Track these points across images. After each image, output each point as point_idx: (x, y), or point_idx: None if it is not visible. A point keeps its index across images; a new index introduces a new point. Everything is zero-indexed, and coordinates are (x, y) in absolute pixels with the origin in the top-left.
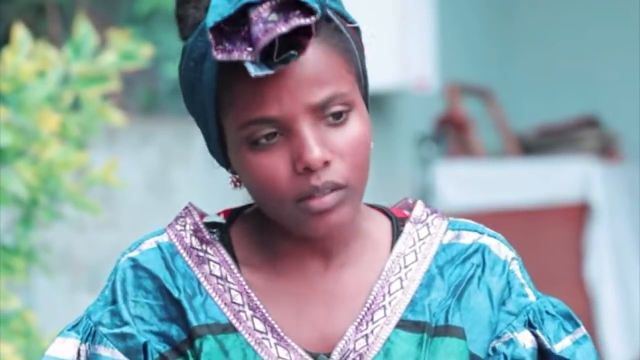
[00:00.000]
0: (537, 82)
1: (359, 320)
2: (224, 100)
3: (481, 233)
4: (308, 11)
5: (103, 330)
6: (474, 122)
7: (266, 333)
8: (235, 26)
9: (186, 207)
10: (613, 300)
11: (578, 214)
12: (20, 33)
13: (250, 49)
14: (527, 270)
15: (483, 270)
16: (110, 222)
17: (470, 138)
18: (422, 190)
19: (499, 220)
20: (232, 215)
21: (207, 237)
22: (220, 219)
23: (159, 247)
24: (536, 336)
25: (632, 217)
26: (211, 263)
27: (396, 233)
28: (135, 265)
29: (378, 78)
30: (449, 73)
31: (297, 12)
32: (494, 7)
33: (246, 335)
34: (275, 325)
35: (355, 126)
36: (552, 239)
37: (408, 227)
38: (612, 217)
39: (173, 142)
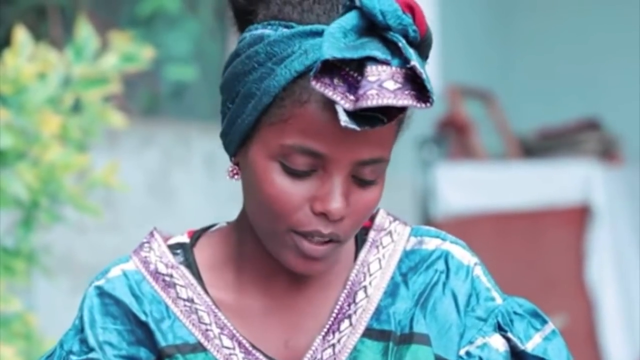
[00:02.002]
0: (538, 84)
1: (325, 330)
2: (280, 111)
3: (443, 239)
4: (425, 97)
5: (73, 358)
6: (475, 125)
7: (234, 349)
8: (344, 64)
9: (150, 232)
10: (614, 302)
11: (579, 217)
12: (21, 35)
13: (352, 98)
14: (491, 274)
15: (447, 276)
16: (111, 225)
17: (472, 141)
18: (423, 192)
19: (500, 223)
20: (196, 235)
21: (172, 261)
22: (184, 239)
23: (125, 275)
24: (508, 339)
25: (633, 219)
26: (177, 287)
27: (360, 242)
28: (102, 293)
29: None
30: (450, 75)
31: (414, 92)
32: (495, 10)
33: (215, 353)
34: (243, 340)
35: (374, 192)
36: (553, 241)
37: (371, 235)
38: (613, 219)
39: (174, 145)
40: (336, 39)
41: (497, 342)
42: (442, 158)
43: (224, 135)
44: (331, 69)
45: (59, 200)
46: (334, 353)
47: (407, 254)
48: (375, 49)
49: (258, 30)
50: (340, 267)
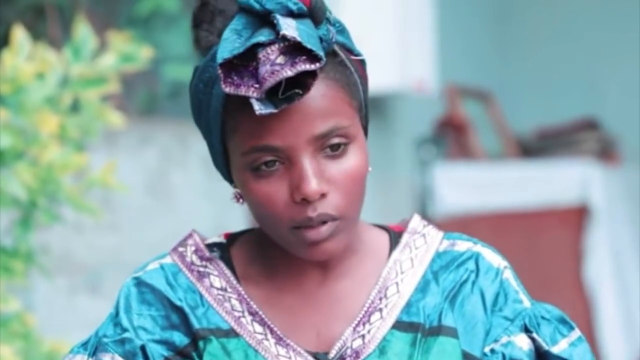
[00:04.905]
0: (536, 84)
1: (356, 322)
2: (229, 125)
3: (475, 243)
4: (314, 57)
5: (106, 340)
6: (474, 125)
7: (265, 334)
8: (245, 60)
9: (189, 233)
10: (612, 302)
11: (577, 217)
12: (19, 35)
13: (257, 85)
14: (520, 279)
15: (477, 275)
16: (109, 224)
17: (470, 140)
18: (421, 192)
19: (498, 222)
20: (232, 236)
21: (207, 254)
22: (222, 239)
23: (162, 267)
24: (533, 339)
25: (631, 219)
26: (211, 276)
27: (394, 243)
28: (139, 282)
29: (378, 81)
30: (449, 75)
31: (304, 57)
32: (494, 10)
33: (247, 338)
34: (274, 328)
35: (353, 158)
36: (552, 241)
37: (405, 237)
38: (611, 219)
39: (172, 144)
40: (230, 41)
41: (522, 341)
42: (440, 158)
43: (216, 168)
44: (236, 69)
45: (57, 200)
46: (363, 343)
47: (439, 255)
48: (260, 35)
49: (195, 67)
50: (373, 265)
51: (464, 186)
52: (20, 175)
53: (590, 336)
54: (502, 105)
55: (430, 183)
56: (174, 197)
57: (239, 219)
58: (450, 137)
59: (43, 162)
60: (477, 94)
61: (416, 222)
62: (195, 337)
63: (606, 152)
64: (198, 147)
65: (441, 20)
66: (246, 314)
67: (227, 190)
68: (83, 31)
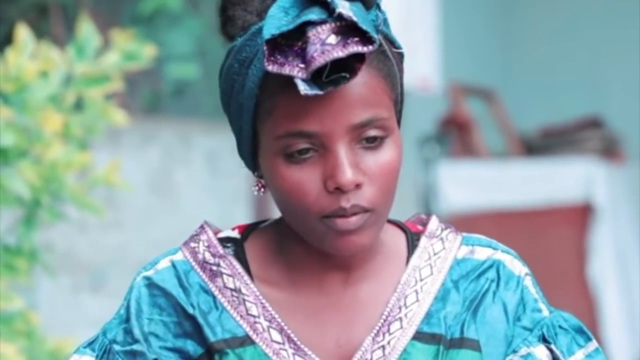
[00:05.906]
0: (540, 82)
1: (375, 331)
2: (264, 107)
3: (495, 249)
4: (367, 39)
5: (116, 347)
6: (477, 123)
7: (283, 343)
8: (290, 39)
9: (201, 225)
10: (616, 300)
11: (581, 215)
12: (23, 33)
13: (302, 65)
14: (539, 286)
15: (498, 285)
16: (112, 223)
17: (473, 139)
18: (424, 190)
19: (501, 221)
20: (247, 230)
21: (220, 251)
22: (235, 234)
23: (174, 265)
24: (551, 350)
25: (634, 218)
26: (224, 276)
27: (411, 247)
28: (150, 283)
29: None
30: (452, 74)
31: (356, 38)
32: (497, 8)
33: (264, 347)
34: (292, 335)
35: (388, 151)
36: (555, 239)
37: (423, 241)
38: (615, 218)
39: (175, 143)
40: (277, 18)
41: (542, 353)
42: (444, 156)
43: (240, 155)
44: (280, 48)
45: (60, 198)
46: (383, 354)
47: (458, 262)
48: (310, 13)
49: (229, 47)
50: (391, 268)
51: (468, 184)
52: (23, 173)
53: (594, 334)
54: (506, 104)
55: (434, 181)
56: (178, 195)
57: (243, 216)
58: (454, 135)
59: (46, 160)
60: (480, 92)
61: (434, 225)
62: (211, 350)
63: (610, 151)
64: (201, 145)
65: (445, 18)
66: (262, 318)
67: (230, 188)
68: (86, 30)
